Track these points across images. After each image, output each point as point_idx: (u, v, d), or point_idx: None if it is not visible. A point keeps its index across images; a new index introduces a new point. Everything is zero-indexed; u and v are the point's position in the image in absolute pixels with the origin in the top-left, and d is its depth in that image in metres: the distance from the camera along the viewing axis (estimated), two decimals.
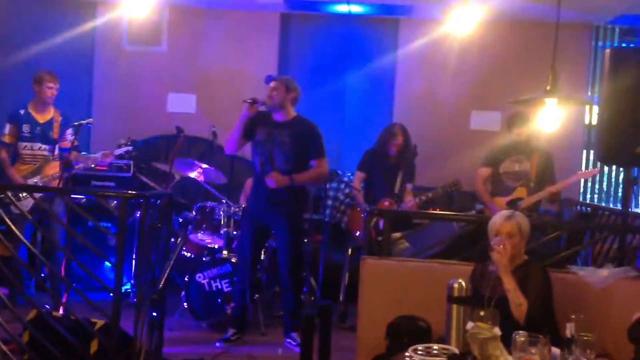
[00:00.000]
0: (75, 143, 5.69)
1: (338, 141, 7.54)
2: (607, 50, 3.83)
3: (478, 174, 5.76)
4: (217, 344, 5.01)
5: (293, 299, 5.14)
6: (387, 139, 5.92)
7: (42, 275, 6.05)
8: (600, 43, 7.30)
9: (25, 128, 5.72)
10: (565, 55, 6.05)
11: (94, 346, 4.00)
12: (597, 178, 7.35)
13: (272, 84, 5.06)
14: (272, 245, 5.78)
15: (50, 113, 5.82)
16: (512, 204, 5.42)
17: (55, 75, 5.76)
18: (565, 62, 5.93)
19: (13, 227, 4.32)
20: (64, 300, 5.10)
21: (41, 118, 5.78)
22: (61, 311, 4.52)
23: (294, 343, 5.06)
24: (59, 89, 5.78)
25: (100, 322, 4.08)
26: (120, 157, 5.74)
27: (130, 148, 5.70)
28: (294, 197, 5.09)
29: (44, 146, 5.75)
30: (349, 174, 6.64)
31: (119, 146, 5.70)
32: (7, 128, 5.73)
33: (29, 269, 5.44)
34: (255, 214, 5.15)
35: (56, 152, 5.80)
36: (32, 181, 5.65)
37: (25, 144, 5.71)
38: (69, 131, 5.80)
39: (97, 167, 6.30)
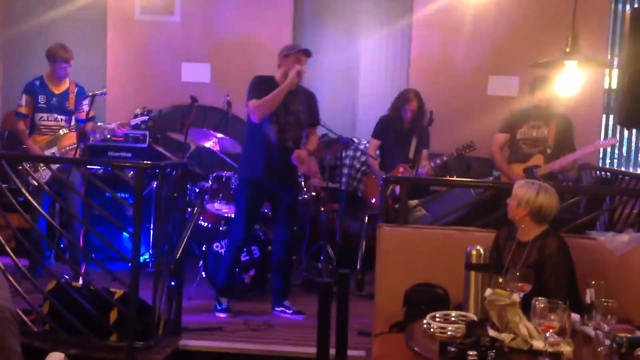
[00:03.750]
0: (92, 114, 5.70)
1: (353, 108, 7.49)
2: (628, 12, 3.75)
3: (495, 140, 5.68)
4: (222, 315, 5.01)
5: (289, 260, 5.15)
6: (401, 104, 5.88)
7: (62, 246, 6.10)
8: (620, 4, 7.15)
9: (42, 99, 5.72)
10: (585, 18, 5.91)
11: (113, 315, 4.05)
12: (617, 142, 7.25)
13: (305, 56, 4.94)
14: None
15: (66, 84, 5.82)
16: (528, 171, 5.35)
17: (69, 52, 5.72)
18: (585, 24, 5.81)
19: (31, 199, 4.35)
20: (82, 270, 5.14)
21: (57, 89, 5.78)
22: (80, 281, 4.56)
23: (289, 312, 5.04)
24: (72, 64, 5.76)
25: (119, 292, 4.13)
26: (136, 127, 5.73)
27: (146, 118, 5.68)
28: (295, 165, 5.09)
29: (60, 117, 5.76)
30: (365, 142, 6.60)
31: (135, 116, 5.68)
32: (24, 99, 5.74)
33: (48, 240, 5.48)
34: (265, 183, 5.01)
35: (72, 122, 5.82)
36: (49, 152, 5.68)
37: (41, 114, 5.72)
38: (85, 102, 5.80)
39: (113, 138, 6.30)
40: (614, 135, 7.21)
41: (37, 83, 5.77)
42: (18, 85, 5.90)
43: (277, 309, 5.11)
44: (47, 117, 5.73)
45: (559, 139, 5.45)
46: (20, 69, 6.98)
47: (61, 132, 5.73)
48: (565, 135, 5.50)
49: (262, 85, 4.91)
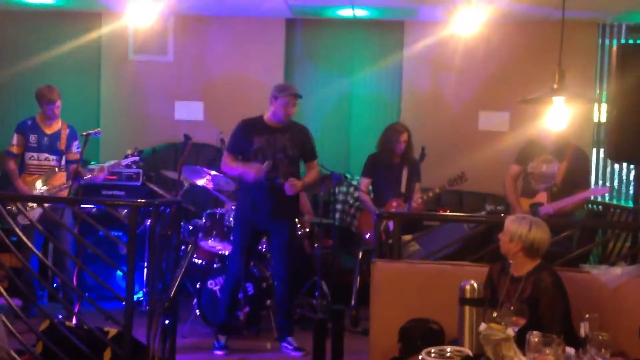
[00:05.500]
0: (79, 156, 5.71)
1: (346, 145, 7.54)
2: (614, 47, 3.82)
3: (508, 171, 5.54)
4: (220, 353, 5.01)
5: (289, 297, 5.15)
6: (393, 138, 5.92)
7: (55, 285, 6.07)
8: (607, 40, 7.26)
9: (32, 138, 5.73)
10: (572, 54, 6.04)
11: (107, 355, 4.00)
12: (608, 176, 7.31)
13: (294, 100, 5.01)
14: None
15: (58, 125, 5.83)
16: (533, 208, 5.26)
17: (55, 92, 5.71)
18: (573, 60, 5.92)
19: (24, 238, 4.34)
20: (76, 310, 5.10)
21: (49, 129, 5.79)
22: (74, 321, 4.53)
23: (291, 347, 5.06)
24: (60, 105, 5.75)
25: (113, 331, 4.09)
26: (127, 167, 5.77)
27: (137, 158, 5.73)
28: (295, 201, 5.18)
29: (50, 156, 5.76)
30: (358, 178, 6.64)
31: (126, 156, 5.72)
32: (15, 139, 5.76)
33: (41, 279, 5.46)
34: (255, 221, 5.08)
35: (63, 162, 5.82)
36: (38, 192, 5.66)
37: (31, 154, 5.73)
38: (76, 144, 5.83)
39: (107, 177, 6.32)
40: (604, 168, 7.29)
41: (29, 123, 5.79)
42: (13, 126, 5.91)
43: (282, 344, 5.13)
44: (37, 157, 5.73)
45: (570, 176, 5.25)
46: (15, 109, 7.01)
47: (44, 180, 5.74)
48: (578, 171, 5.30)
49: (243, 134, 5.04)
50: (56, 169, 5.79)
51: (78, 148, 5.82)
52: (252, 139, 5.02)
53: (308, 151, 5.20)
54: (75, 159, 5.75)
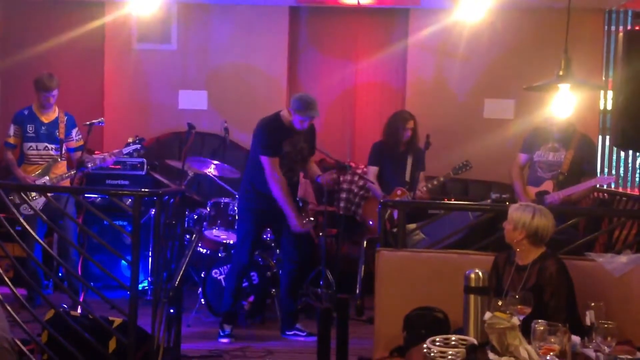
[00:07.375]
0: (81, 143, 5.69)
1: (350, 133, 7.52)
2: (621, 34, 3.78)
3: (515, 159, 5.50)
4: (225, 340, 5.03)
5: (299, 282, 5.27)
6: (400, 125, 5.89)
7: (60, 275, 6.08)
8: (613, 27, 7.21)
9: (30, 128, 5.71)
10: (578, 41, 5.99)
11: (112, 344, 4.01)
12: (614, 164, 7.28)
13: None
14: None
15: (55, 113, 5.81)
16: (539, 197, 5.20)
17: (53, 81, 5.68)
18: (579, 47, 5.88)
19: (28, 227, 4.34)
20: (81, 299, 5.12)
21: (46, 118, 5.77)
22: (79, 310, 4.53)
23: (303, 334, 5.09)
24: (57, 95, 5.72)
25: (118, 320, 4.10)
26: (129, 155, 5.76)
27: (138, 146, 5.72)
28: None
29: (50, 145, 5.74)
30: (362, 166, 6.62)
31: (127, 144, 5.70)
32: (12, 129, 5.74)
33: (45, 269, 5.47)
34: (270, 212, 5.09)
35: (63, 151, 5.80)
36: (40, 181, 5.66)
37: (30, 144, 5.70)
38: (75, 131, 5.81)
39: (111, 166, 6.32)
40: (610, 156, 7.26)
41: (26, 113, 5.77)
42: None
43: (288, 332, 5.13)
44: (36, 146, 5.71)
45: (577, 164, 5.20)
46: (19, 98, 7.00)
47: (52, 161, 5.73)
48: (585, 159, 5.25)
49: (278, 138, 5.02)
50: (57, 158, 5.77)
51: (78, 135, 5.81)
52: (282, 143, 5.05)
53: (313, 147, 5.30)
54: (76, 146, 5.74)
